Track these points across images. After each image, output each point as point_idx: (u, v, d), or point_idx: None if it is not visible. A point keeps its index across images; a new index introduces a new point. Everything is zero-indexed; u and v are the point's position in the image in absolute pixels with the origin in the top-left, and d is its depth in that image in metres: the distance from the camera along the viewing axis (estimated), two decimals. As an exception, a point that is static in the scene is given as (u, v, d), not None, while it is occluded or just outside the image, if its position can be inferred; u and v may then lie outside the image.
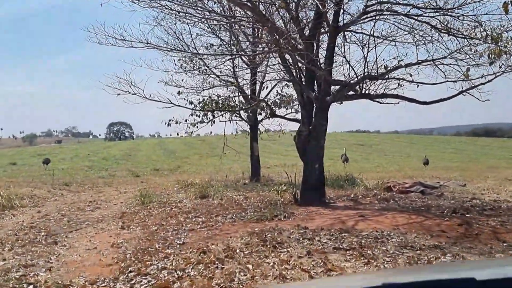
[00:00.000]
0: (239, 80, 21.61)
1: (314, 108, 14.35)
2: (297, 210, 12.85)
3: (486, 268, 2.39)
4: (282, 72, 19.24)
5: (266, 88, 21.94)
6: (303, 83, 14.47)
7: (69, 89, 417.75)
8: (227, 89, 21.71)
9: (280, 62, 15.35)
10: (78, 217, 14.55)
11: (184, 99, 19.89)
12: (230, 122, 22.15)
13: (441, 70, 13.84)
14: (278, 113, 21.12)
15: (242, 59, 21.37)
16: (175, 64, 20.22)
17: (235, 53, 18.39)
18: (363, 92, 14.02)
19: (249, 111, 21.29)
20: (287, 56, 14.88)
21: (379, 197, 15.24)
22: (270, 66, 20.11)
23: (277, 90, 20.68)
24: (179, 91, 18.01)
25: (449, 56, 13.62)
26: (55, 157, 46.42)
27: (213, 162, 43.34)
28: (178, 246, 9.82)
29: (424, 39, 13.90)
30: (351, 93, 14.00)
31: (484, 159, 49.74)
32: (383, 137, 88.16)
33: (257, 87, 21.95)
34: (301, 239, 9.35)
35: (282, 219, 11.76)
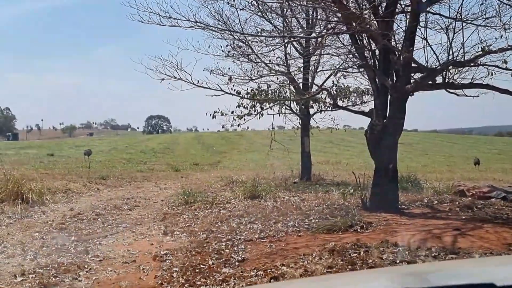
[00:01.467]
0: (291, 69, 19.42)
1: (389, 98, 12.13)
2: (370, 218, 10.62)
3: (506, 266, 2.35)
4: (341, 58, 17.08)
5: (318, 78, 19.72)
6: (378, 68, 12.22)
7: (109, 81, 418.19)
8: (277, 79, 19.51)
9: (352, 43, 13.05)
10: (114, 217, 12.61)
11: (232, 88, 17.86)
12: (279, 115, 20.05)
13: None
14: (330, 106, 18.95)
15: (294, 46, 19.22)
16: (222, 51, 18.15)
17: (288, 35, 16.13)
18: (447, 81, 11.75)
19: (301, 103, 19.07)
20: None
21: (457, 203, 12.92)
22: (328, 53, 17.87)
23: (332, 81, 18.41)
24: (230, 77, 15.86)
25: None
26: (93, 149, 44.81)
27: (253, 158, 41.31)
28: (237, 263, 7.74)
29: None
30: (434, 81, 11.73)
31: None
32: (422, 135, 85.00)
33: (310, 77, 19.70)
34: (397, 261, 7.14)
35: (359, 230, 9.52)
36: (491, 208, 12.28)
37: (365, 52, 12.66)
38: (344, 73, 16.96)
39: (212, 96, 13.84)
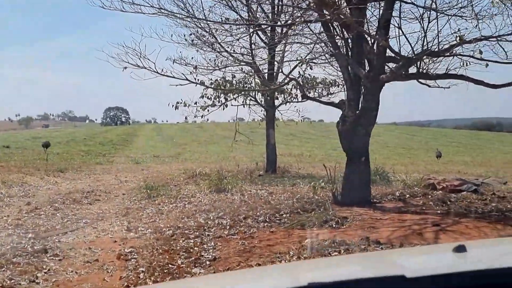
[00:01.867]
0: (256, 59, 18.90)
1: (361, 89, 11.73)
2: (343, 212, 10.19)
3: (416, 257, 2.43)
4: (308, 48, 16.65)
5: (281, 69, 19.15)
6: (351, 57, 11.78)
7: (66, 72, 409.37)
8: (242, 69, 18.96)
9: (324, 31, 12.53)
10: (74, 212, 11.95)
11: (196, 78, 17.30)
12: (244, 107, 19.53)
13: (503, 48, 11.19)
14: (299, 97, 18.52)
15: (259, 36, 18.70)
16: (186, 40, 17.52)
17: (254, 23, 15.57)
18: (421, 71, 11.38)
19: (266, 94, 18.55)
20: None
21: (430, 197, 12.58)
22: (295, 41, 17.35)
23: (298, 72, 17.89)
24: (196, 66, 15.27)
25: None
26: (50, 141, 43.43)
27: (214, 150, 40.63)
28: (208, 263, 7.24)
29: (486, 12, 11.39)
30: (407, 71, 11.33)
31: (493, 154, 47.29)
32: (382, 128, 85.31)
33: (276, 68, 19.15)
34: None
35: (334, 226, 9.06)
36: (464, 202, 11.99)
37: (338, 41, 12.23)
38: (311, 63, 16.48)
39: (176, 85, 13.32)
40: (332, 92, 18.27)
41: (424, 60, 11.59)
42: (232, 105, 18.81)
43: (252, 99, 19.37)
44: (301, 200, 12.07)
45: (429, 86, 12.44)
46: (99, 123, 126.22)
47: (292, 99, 18.78)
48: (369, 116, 11.37)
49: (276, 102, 19.77)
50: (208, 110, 18.12)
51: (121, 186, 17.08)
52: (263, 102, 19.68)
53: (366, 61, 11.76)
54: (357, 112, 11.46)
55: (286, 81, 16.21)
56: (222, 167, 20.52)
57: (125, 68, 12.32)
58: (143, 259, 7.49)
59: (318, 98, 15.66)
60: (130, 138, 55.40)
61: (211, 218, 10.39)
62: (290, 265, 4.33)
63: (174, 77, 12.82)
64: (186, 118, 18.73)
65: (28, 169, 20.59)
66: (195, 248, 8.02)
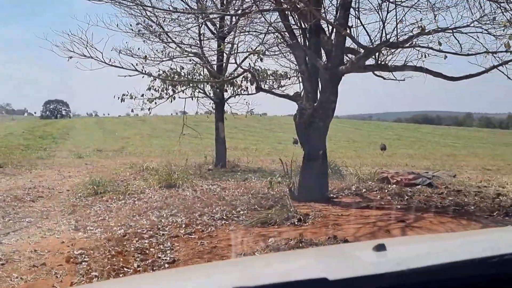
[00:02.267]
0: (204, 50, 18.37)
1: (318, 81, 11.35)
2: (301, 208, 9.80)
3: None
4: (259, 39, 16.29)
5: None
6: (308, 48, 11.37)
7: (4, 63, 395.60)
8: (190, 61, 18.34)
9: (281, 20, 12.07)
10: (16, 210, 11.17)
11: (143, 70, 16.69)
12: (192, 99, 18.95)
13: (458, 41, 11.04)
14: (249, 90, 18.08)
15: (208, 27, 18.13)
16: (132, 30, 16.84)
17: (204, 12, 14.98)
18: (379, 62, 11.09)
19: (215, 87, 17.99)
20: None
21: (386, 191, 12.34)
22: (246, 30, 16.90)
23: (249, 63, 17.38)
24: (146, 56, 14.64)
25: (474, 24, 10.90)
26: (-14, 135, 41.75)
27: (159, 143, 39.80)
28: (166, 266, 6.72)
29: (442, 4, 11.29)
30: (367, 63, 11.02)
31: (434, 147, 48.01)
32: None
33: (224, 60, 18.59)
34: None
35: (296, 223, 8.66)
36: (421, 196, 11.84)
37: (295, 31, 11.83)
38: (262, 55, 16.01)
39: (125, 76, 12.71)
40: (283, 84, 17.90)
41: (382, 52, 11.34)
42: (179, 97, 18.25)
43: (201, 91, 18.80)
44: (256, 195, 11.67)
45: (384, 78, 12.24)
46: (38, 116, 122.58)
47: (243, 91, 18.29)
48: (327, 109, 11.02)
49: (226, 95, 19.24)
50: (155, 103, 17.57)
51: (64, 182, 16.28)
52: (211, 95, 19.11)
53: (323, 52, 11.42)
54: (315, 104, 11.09)
55: (238, 72, 15.74)
56: (169, 162, 19.90)
57: (71, 57, 11.65)
58: (95, 262, 6.91)
59: (271, 90, 15.14)
60: (71, 132, 53.90)
61: (164, 216, 9.86)
62: (228, 263, 4.28)
63: (122, 67, 12.23)
64: (132, 110, 18.11)
65: (-37, 165, 19.48)
66: (151, 249, 7.49)
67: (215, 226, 8.84)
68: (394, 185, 13.51)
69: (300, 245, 6.86)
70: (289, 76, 17.48)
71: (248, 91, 18.13)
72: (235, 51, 17.92)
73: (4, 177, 17.24)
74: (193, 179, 14.62)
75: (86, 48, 11.62)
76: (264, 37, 15.94)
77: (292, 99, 12.19)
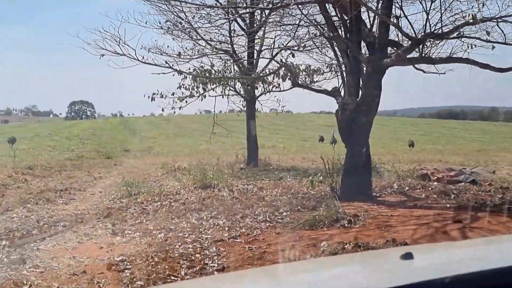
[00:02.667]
0: (235, 47, 17.91)
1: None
2: (347, 209, 9.27)
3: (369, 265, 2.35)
4: (289, 34, 15.82)
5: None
6: (350, 41, 10.84)
7: (30, 65, 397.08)
8: (221, 58, 17.90)
9: (321, 13, 11.52)
10: (49, 213, 10.82)
11: (171, 67, 16.37)
12: (223, 97, 18.52)
13: (502, 30, 10.43)
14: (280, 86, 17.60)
15: (238, 24, 17.69)
16: (162, 27, 16.44)
17: (235, 6, 14.52)
18: (424, 55, 10.53)
19: (247, 84, 17.49)
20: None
21: (430, 189, 11.78)
22: (280, 26, 16.43)
23: (280, 59, 16.87)
24: (180, 53, 14.25)
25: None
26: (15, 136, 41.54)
27: (185, 143, 39.49)
28: (215, 273, 6.24)
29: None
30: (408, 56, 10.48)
31: (461, 142, 47.13)
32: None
33: (255, 56, 18.12)
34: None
35: (347, 225, 8.14)
36: (467, 194, 11.29)
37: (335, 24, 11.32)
38: (296, 49, 15.48)
39: (158, 74, 12.37)
40: (315, 80, 17.33)
41: (426, 44, 10.78)
42: (209, 96, 17.82)
43: (232, 89, 18.35)
44: (296, 195, 11.18)
45: (424, 72, 11.70)
46: (63, 118, 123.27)
47: (275, 88, 17.77)
48: (371, 104, 10.50)
49: (256, 93, 18.74)
50: (186, 101, 17.17)
51: (96, 183, 15.95)
52: (242, 92, 18.63)
53: (363, 45, 10.92)
54: (358, 99, 10.57)
55: (269, 69, 15.26)
56: (200, 161, 19.50)
57: (103, 55, 11.29)
58: (139, 270, 6.46)
59: (308, 86, 14.57)
60: (96, 132, 53.78)
61: (204, 218, 9.42)
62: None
63: (156, 64, 11.90)
64: (162, 110, 17.64)
65: (-6, 167, 19.20)
66: (196, 255, 7.02)
67: (260, 229, 8.37)
68: (435, 182, 12.96)
69: (358, 249, 6.35)
70: (322, 71, 16.92)
71: (280, 88, 17.62)
72: (271, 47, 17.46)
73: (34, 179, 16.95)
74: (228, 179, 14.14)
75: (118, 45, 11.26)
76: (295, 32, 15.42)
77: (331, 95, 11.71)
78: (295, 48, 14.93)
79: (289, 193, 11.59)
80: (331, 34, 11.24)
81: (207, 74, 16.57)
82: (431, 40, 10.51)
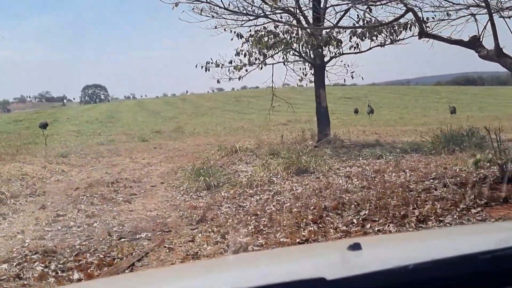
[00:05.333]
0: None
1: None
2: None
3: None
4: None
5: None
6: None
7: (41, 52, 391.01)
8: (281, 18, 14.66)
9: None
10: (117, 218, 7.93)
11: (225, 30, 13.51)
12: (284, 64, 15.49)
13: None
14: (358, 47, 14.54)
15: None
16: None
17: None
18: None
19: (316, 45, 14.19)
20: None
21: None
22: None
23: (358, 14, 13.76)
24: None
25: None
26: (33, 123, 38.64)
27: (214, 121, 36.65)
28: None
29: None
30: None
31: (492, 108, 44.11)
32: (365, 89, 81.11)
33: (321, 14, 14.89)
34: None
35: None
36: None
37: None
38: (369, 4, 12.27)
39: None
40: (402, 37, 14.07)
41: None
42: (267, 64, 14.84)
43: (296, 54, 15.26)
44: (442, 180, 8.17)
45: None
46: (78, 102, 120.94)
47: (353, 49, 14.55)
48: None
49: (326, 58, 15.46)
50: (246, 70, 14.28)
51: (148, 172, 13.05)
52: (308, 57, 15.44)
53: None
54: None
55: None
56: (261, 140, 16.52)
57: (176, 4, 8.35)
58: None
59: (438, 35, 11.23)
60: (115, 115, 51.05)
61: (349, 219, 6.47)
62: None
63: (244, 13, 8.87)
64: (218, 81, 14.63)
65: (24, 157, 16.11)
66: None
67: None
68: None
69: None
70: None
71: (359, 49, 14.48)
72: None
73: (72, 169, 14.14)
74: (324, 161, 11.12)
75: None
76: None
77: (468, 46, 8.75)
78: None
79: (428, 177, 8.59)
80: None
81: (272, 37, 13.67)
82: None
